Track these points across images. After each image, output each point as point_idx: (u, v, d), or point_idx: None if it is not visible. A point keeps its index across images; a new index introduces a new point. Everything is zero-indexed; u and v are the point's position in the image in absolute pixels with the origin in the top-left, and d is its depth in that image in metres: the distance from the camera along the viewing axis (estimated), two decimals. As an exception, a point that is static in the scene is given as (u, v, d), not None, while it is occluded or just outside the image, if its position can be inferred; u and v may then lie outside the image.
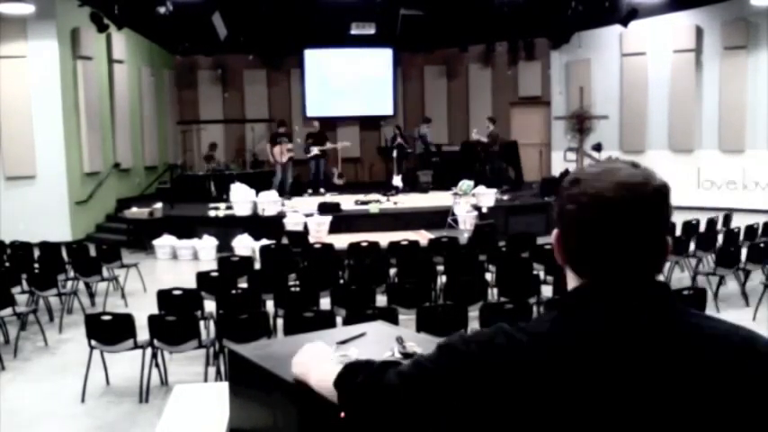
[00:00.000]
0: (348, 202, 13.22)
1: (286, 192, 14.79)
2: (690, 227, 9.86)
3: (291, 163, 15.59)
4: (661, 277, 6.64)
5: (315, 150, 15.39)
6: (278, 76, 19.25)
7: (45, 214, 12.45)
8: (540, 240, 8.95)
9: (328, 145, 16.12)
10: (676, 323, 1.19)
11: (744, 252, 8.35)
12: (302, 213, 12.03)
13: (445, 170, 16.60)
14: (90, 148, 13.57)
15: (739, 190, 15.18)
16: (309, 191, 15.61)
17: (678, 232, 9.73)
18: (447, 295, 6.65)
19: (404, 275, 7.55)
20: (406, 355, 1.87)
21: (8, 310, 6.97)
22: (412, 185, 16.00)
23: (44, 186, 12.74)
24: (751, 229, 9.56)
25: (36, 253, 9.39)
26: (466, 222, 11.97)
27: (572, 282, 1.24)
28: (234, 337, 5.41)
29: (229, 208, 12.73)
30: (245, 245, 11.13)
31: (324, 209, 12.42)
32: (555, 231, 1.26)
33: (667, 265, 8.97)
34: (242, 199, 12.45)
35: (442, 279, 7.57)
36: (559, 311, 1.22)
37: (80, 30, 13.20)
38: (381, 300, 6.70)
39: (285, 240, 10.38)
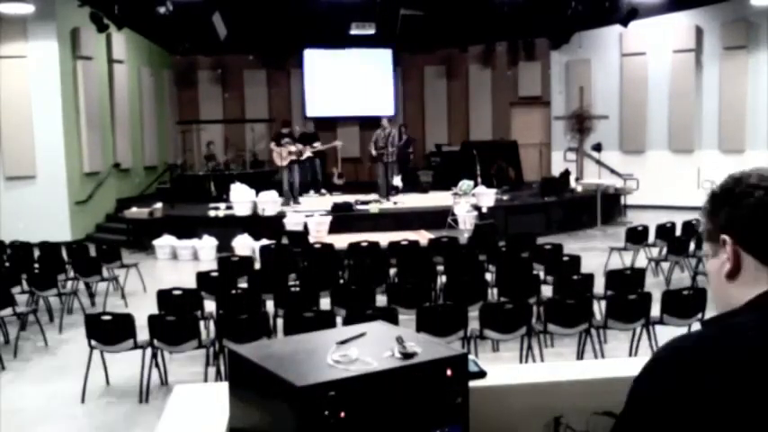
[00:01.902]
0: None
1: (293, 197, 13.89)
2: (690, 227, 9.86)
3: (297, 165, 14.25)
4: (661, 277, 6.60)
5: (308, 152, 15.21)
6: (278, 76, 19.26)
7: (45, 214, 12.45)
8: (540, 240, 8.95)
9: (321, 145, 15.74)
10: None
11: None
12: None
13: (445, 170, 16.60)
14: (90, 148, 13.58)
15: (739, 190, 15.18)
16: (323, 191, 15.52)
17: (678, 232, 9.74)
18: (447, 295, 6.65)
19: (404, 275, 7.55)
20: (405, 355, 1.87)
21: (8, 310, 6.97)
22: (412, 185, 16.00)
23: (44, 186, 12.74)
24: (751, 229, 9.54)
25: (36, 253, 9.39)
26: (466, 222, 11.97)
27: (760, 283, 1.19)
28: (234, 337, 5.41)
29: (229, 208, 12.73)
30: (245, 245, 11.13)
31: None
32: (726, 237, 1.22)
33: (667, 265, 8.97)
34: (242, 199, 12.46)
35: (442, 279, 7.57)
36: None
37: (80, 30, 13.21)
38: (381, 300, 6.70)
39: (285, 240, 10.38)
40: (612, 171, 16.42)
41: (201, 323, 6.11)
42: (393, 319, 5.21)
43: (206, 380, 5.68)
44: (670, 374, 1.14)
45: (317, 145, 15.28)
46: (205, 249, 11.51)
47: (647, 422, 1.14)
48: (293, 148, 14.06)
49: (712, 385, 1.09)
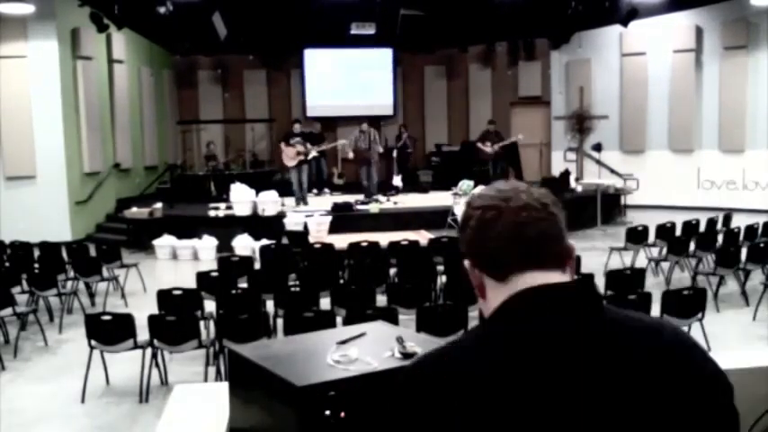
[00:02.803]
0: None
1: (302, 197, 13.81)
2: (690, 227, 9.86)
3: (306, 166, 14.03)
4: (661, 277, 6.63)
5: (314, 152, 15.17)
6: (278, 76, 19.26)
7: (45, 214, 12.45)
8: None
9: (325, 145, 15.72)
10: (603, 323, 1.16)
11: (744, 252, 8.35)
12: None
13: (445, 170, 16.60)
14: (90, 148, 13.57)
15: (739, 190, 15.18)
16: (315, 191, 15.57)
17: (678, 232, 9.74)
18: (447, 295, 6.65)
19: (404, 275, 7.55)
20: (405, 355, 1.88)
21: (8, 310, 6.96)
22: (412, 185, 16.00)
23: (44, 186, 12.74)
24: (751, 229, 9.56)
25: (36, 253, 9.38)
26: (466, 222, 11.94)
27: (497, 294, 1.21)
28: (234, 337, 5.41)
29: (229, 208, 12.73)
30: (245, 245, 11.13)
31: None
32: (466, 262, 1.25)
33: (667, 265, 8.97)
34: (242, 199, 12.45)
35: (442, 279, 7.57)
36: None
37: (80, 30, 13.20)
38: (381, 300, 6.70)
39: (285, 240, 10.38)
40: (612, 171, 16.42)
41: (201, 323, 6.11)
42: (393, 319, 5.21)
43: (206, 380, 5.68)
44: (412, 385, 1.15)
45: (324, 145, 15.26)
46: (205, 249, 11.51)
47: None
48: (301, 148, 13.91)
49: (448, 396, 1.10)
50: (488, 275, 1.21)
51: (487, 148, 15.11)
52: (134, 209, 13.05)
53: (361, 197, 13.91)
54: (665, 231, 9.78)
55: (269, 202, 12.40)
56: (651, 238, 9.83)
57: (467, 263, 1.24)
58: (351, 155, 14.39)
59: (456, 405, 1.09)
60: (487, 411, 1.07)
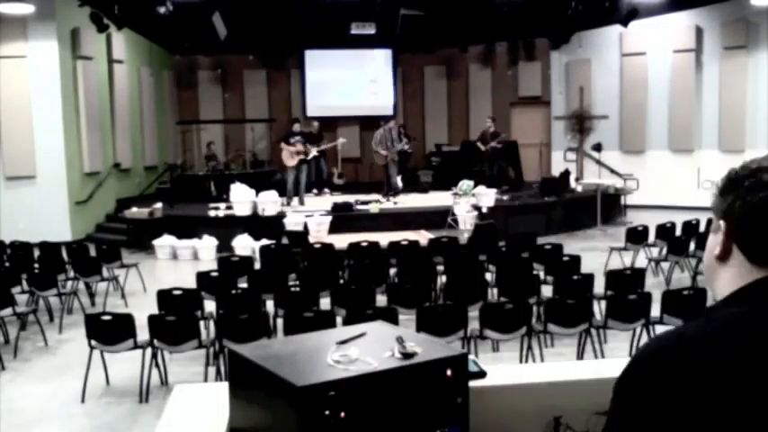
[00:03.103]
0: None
1: (299, 197, 13.77)
2: (690, 227, 9.87)
3: (305, 166, 14.01)
4: (661, 277, 6.60)
5: (314, 152, 15.12)
6: (278, 76, 19.26)
7: (45, 214, 12.45)
8: (540, 240, 8.95)
9: (324, 145, 15.72)
10: None
11: (744, 252, 8.34)
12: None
13: (445, 170, 16.60)
14: (90, 148, 13.57)
15: (739, 190, 15.17)
16: (315, 191, 15.57)
17: (678, 232, 9.74)
18: (447, 295, 6.65)
19: (404, 275, 7.56)
20: (405, 355, 1.88)
21: (8, 310, 6.97)
22: (412, 185, 16.00)
23: (44, 186, 12.74)
24: (751, 229, 9.54)
25: (36, 253, 9.38)
26: (466, 222, 11.97)
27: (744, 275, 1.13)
28: (234, 337, 5.41)
29: (229, 208, 12.73)
30: (245, 245, 11.13)
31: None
32: (722, 223, 1.19)
33: (667, 265, 8.97)
34: (242, 199, 12.46)
35: (442, 279, 7.57)
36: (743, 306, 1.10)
37: (80, 30, 13.20)
38: (381, 300, 6.70)
39: (285, 240, 10.38)
40: (612, 171, 16.42)
41: (201, 323, 6.11)
42: (393, 319, 5.21)
43: (206, 380, 5.68)
44: (648, 376, 1.07)
45: (323, 144, 15.28)
46: (205, 249, 11.51)
47: (631, 425, 1.08)
48: (301, 147, 13.87)
49: (689, 387, 1.03)
50: (741, 252, 1.15)
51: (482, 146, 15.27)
52: (134, 209, 13.04)
53: (361, 197, 13.91)
54: (665, 231, 9.78)
55: (269, 202, 12.41)
56: (651, 238, 9.84)
57: (722, 224, 1.18)
58: (383, 152, 14.44)
59: (698, 393, 1.02)
60: (732, 399, 1.01)
